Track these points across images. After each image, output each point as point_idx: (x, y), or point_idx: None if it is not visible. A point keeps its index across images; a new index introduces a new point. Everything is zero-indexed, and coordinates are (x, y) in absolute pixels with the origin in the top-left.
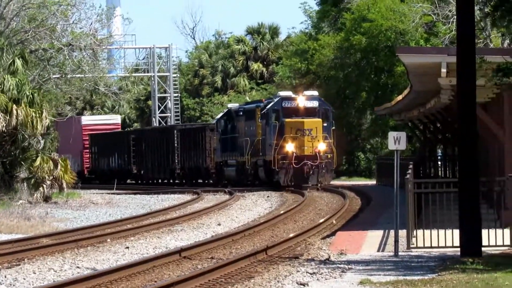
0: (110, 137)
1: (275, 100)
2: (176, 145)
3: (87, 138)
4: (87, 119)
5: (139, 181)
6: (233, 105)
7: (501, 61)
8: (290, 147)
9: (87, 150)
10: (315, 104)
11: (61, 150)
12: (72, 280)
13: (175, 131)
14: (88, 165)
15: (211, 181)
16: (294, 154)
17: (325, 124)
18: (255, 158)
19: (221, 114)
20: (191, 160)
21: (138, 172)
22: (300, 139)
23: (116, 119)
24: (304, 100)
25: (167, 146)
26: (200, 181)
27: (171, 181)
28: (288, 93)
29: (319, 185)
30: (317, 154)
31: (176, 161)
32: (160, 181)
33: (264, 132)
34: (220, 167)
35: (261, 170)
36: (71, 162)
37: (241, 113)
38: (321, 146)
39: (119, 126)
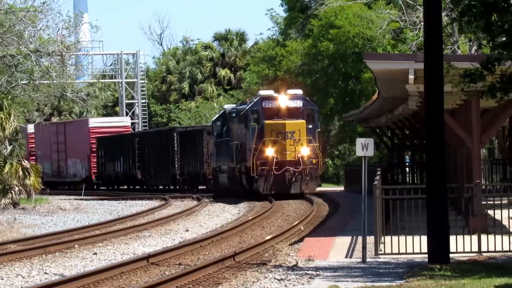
0: (115, 140)
1: (255, 100)
2: (176, 149)
3: (95, 141)
4: (95, 121)
5: (144, 187)
6: (228, 106)
7: (469, 67)
8: (270, 151)
9: (95, 154)
10: (298, 104)
11: (68, 154)
12: (40, 286)
13: (175, 134)
14: (95, 170)
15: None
16: (275, 160)
17: (309, 126)
18: (239, 164)
19: (216, 116)
20: (190, 165)
21: (143, 178)
22: (282, 143)
23: (126, 121)
24: (286, 99)
25: (167, 150)
26: (202, 187)
27: (173, 187)
28: (269, 92)
29: (303, 193)
30: (300, 160)
31: (176, 166)
32: (162, 187)
33: (244, 135)
34: (216, 173)
35: (243, 177)
36: (79, 167)
37: (234, 115)
38: (305, 151)
39: (129, 129)
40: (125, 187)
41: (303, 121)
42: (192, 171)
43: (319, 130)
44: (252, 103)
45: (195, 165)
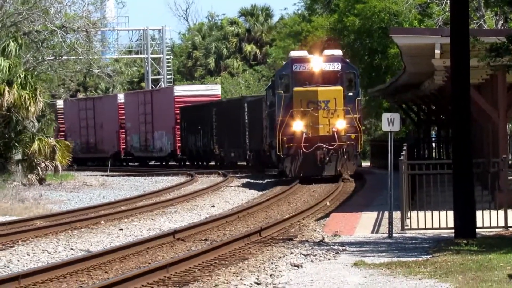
0: (195, 111)
1: (285, 63)
2: (246, 121)
3: (179, 112)
4: (181, 89)
5: (224, 163)
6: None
7: (495, 41)
8: (298, 125)
9: (179, 126)
10: (336, 67)
11: (155, 127)
12: (66, 262)
13: (245, 104)
14: (179, 144)
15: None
16: (305, 135)
17: (349, 94)
18: (271, 140)
19: (269, 83)
20: (254, 139)
21: (221, 153)
22: (313, 114)
23: (216, 89)
24: (321, 62)
25: (237, 123)
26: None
27: (245, 164)
28: (301, 53)
29: (339, 175)
30: (335, 135)
31: (247, 141)
32: (237, 163)
33: (274, 105)
34: (269, 149)
35: (273, 154)
36: (165, 140)
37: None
38: (341, 124)
39: (220, 98)
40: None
41: (340, 87)
42: (255, 147)
43: (359, 98)
44: (282, 67)
45: (257, 140)
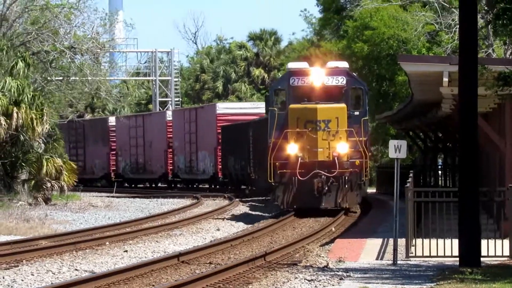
0: (235, 130)
1: (281, 76)
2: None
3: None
4: (223, 107)
5: (252, 189)
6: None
7: (503, 70)
8: (293, 148)
9: (220, 147)
10: (340, 81)
11: (199, 146)
12: (70, 283)
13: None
14: (221, 166)
15: None
16: (300, 160)
17: (355, 113)
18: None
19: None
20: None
21: (256, 176)
22: (311, 136)
23: (261, 107)
24: (323, 75)
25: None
26: None
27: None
28: (300, 65)
29: (340, 207)
30: (336, 160)
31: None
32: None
33: (267, 124)
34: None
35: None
36: (207, 161)
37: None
38: (343, 148)
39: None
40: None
41: (344, 105)
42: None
43: (366, 118)
44: (278, 79)
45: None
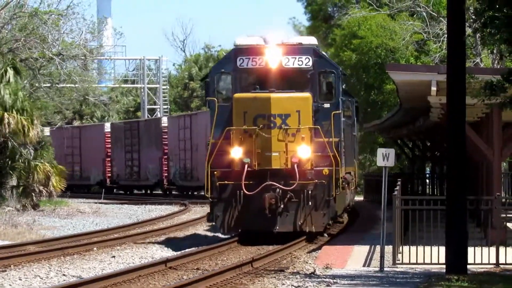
0: None
1: (225, 55)
2: None
3: None
4: None
5: None
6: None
7: (490, 79)
8: (237, 153)
9: None
10: (305, 62)
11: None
12: (58, 287)
13: None
14: None
15: None
16: (247, 168)
17: (325, 105)
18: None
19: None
20: None
21: None
22: (262, 136)
23: None
24: (279, 53)
25: None
26: None
27: None
28: (251, 40)
29: (301, 231)
30: (296, 169)
31: None
32: None
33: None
34: None
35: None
36: None
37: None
38: (305, 152)
39: None
40: None
41: (307, 95)
42: None
43: (338, 112)
44: (221, 60)
45: None
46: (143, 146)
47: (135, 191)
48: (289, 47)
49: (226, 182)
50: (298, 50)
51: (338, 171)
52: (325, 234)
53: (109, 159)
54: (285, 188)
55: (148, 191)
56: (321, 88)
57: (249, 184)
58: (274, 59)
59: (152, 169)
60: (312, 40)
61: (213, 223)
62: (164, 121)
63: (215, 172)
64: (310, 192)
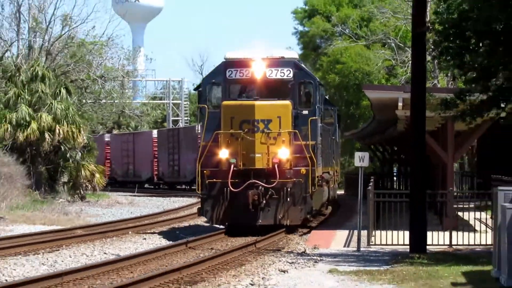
0: None
1: (216, 67)
2: None
3: None
4: None
5: None
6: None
7: (445, 97)
8: (224, 154)
9: None
10: (286, 74)
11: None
12: (101, 263)
13: None
14: None
15: None
16: (233, 168)
17: (304, 112)
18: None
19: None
20: None
21: None
22: (246, 139)
23: None
24: (264, 66)
25: None
26: None
27: None
28: (240, 54)
29: (280, 224)
30: (276, 168)
31: None
32: None
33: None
34: None
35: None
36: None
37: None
38: (284, 153)
39: None
40: None
41: (287, 102)
42: None
43: (316, 118)
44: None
45: None
46: (182, 149)
47: (177, 187)
48: (273, 60)
49: (214, 180)
50: (280, 63)
51: (314, 171)
52: (303, 229)
53: (156, 160)
54: (266, 185)
55: (187, 187)
56: (300, 97)
57: (235, 182)
58: (259, 71)
59: (189, 168)
60: (293, 54)
61: (204, 217)
62: (197, 128)
63: (205, 171)
64: (289, 189)
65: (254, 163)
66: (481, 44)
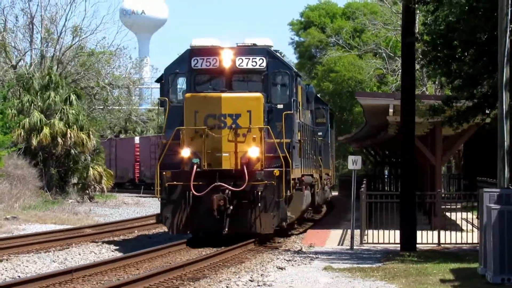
0: None
1: (180, 55)
2: None
3: None
4: None
5: None
6: None
7: (433, 103)
8: (186, 153)
9: None
10: (259, 63)
11: None
12: (108, 260)
13: None
14: None
15: None
16: (196, 169)
17: (278, 106)
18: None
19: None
20: None
21: None
22: (212, 136)
23: None
24: (232, 54)
25: None
26: None
27: None
28: (206, 42)
29: (251, 232)
30: (245, 169)
31: None
32: None
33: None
34: None
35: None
36: None
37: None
38: (254, 152)
39: None
40: None
41: (258, 95)
42: None
43: (291, 112)
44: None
45: None
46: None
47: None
48: (243, 48)
49: (175, 183)
50: (252, 51)
51: (289, 172)
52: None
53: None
54: (234, 189)
55: None
56: (274, 89)
57: (198, 185)
58: (227, 60)
59: None
60: (267, 42)
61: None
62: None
63: (165, 173)
64: (260, 193)
65: (220, 164)
66: (466, 54)
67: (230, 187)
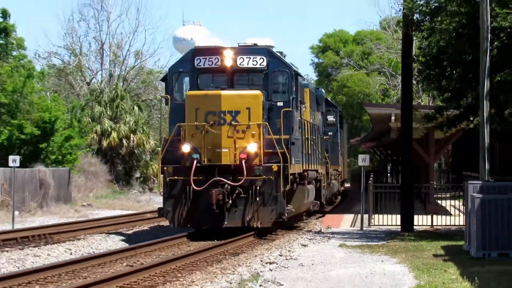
0: None
1: (183, 55)
2: None
3: None
4: None
5: None
6: None
7: (427, 112)
8: (187, 149)
9: None
10: (259, 62)
11: None
12: (166, 239)
13: None
14: None
15: None
16: (197, 164)
17: (278, 103)
18: None
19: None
20: None
21: None
22: (212, 132)
23: None
24: (233, 53)
25: None
26: None
27: None
28: (208, 43)
29: (249, 226)
30: (243, 165)
31: None
32: None
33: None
34: None
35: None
36: None
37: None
38: (253, 148)
39: None
40: None
41: (258, 92)
42: None
43: (289, 109)
44: (179, 60)
45: None
46: None
47: None
48: (244, 48)
49: (176, 177)
50: (253, 50)
51: (287, 168)
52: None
53: None
54: (233, 183)
55: None
56: (274, 87)
57: (198, 180)
58: (229, 59)
59: None
60: (268, 42)
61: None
62: None
63: (166, 168)
64: (258, 188)
65: (220, 159)
66: (454, 72)
67: (229, 182)
